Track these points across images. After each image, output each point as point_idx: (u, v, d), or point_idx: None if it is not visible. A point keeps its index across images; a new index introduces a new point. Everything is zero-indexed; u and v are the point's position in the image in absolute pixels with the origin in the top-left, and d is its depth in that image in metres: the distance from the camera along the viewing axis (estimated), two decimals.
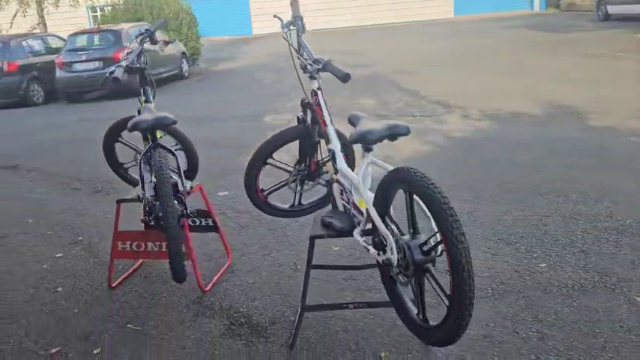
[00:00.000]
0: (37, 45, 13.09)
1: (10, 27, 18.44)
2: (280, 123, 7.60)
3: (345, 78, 2.38)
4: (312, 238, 2.48)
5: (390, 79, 10.35)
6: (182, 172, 3.03)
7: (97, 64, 11.69)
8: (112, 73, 2.94)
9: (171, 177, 2.81)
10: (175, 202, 2.75)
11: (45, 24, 17.93)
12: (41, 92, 12.47)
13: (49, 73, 12.09)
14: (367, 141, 2.20)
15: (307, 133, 2.88)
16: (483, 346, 2.38)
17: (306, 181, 3.04)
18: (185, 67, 14.47)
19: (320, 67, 2.54)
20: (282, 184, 3.06)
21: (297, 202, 3.14)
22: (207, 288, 3.05)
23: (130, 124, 2.86)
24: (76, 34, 12.78)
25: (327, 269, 2.92)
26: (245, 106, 9.41)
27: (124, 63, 3.13)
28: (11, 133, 8.72)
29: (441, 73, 10.52)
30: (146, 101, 3.31)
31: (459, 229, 1.90)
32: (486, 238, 3.46)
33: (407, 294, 2.33)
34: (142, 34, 3.42)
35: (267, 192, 3.07)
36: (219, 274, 3.20)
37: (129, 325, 2.77)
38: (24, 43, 12.63)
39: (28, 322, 2.87)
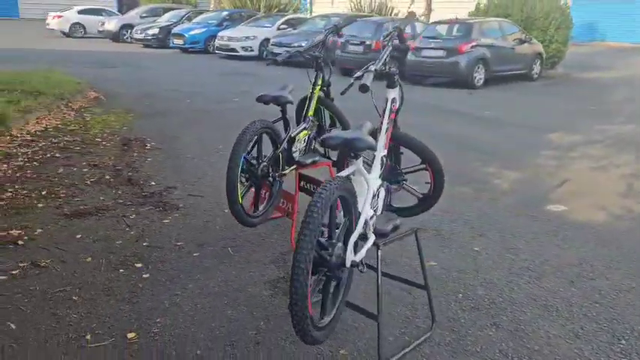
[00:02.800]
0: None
1: (409, 8, 21.23)
2: (559, 142, 6.99)
3: (359, 88, 2.50)
4: None
5: None
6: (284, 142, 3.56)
7: (440, 52, 12.60)
8: (275, 55, 3.70)
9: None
10: (264, 163, 3.39)
11: (430, 11, 19.84)
12: None
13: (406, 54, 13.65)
14: (326, 145, 2.33)
15: None
16: None
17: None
18: (536, 68, 13.96)
19: (359, 75, 2.65)
20: None
21: (388, 202, 3.29)
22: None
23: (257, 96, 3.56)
24: (436, 23, 13.96)
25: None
26: (550, 117, 8.83)
27: (295, 49, 3.83)
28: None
29: None
30: (314, 84, 3.93)
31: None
32: (603, 328, 2.83)
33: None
34: (329, 28, 4.01)
35: None
36: None
37: (229, 249, 3.59)
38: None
39: (188, 223, 4.01)
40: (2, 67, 11.06)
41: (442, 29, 13.69)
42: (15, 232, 3.65)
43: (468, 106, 9.89)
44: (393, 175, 3.12)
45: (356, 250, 2.28)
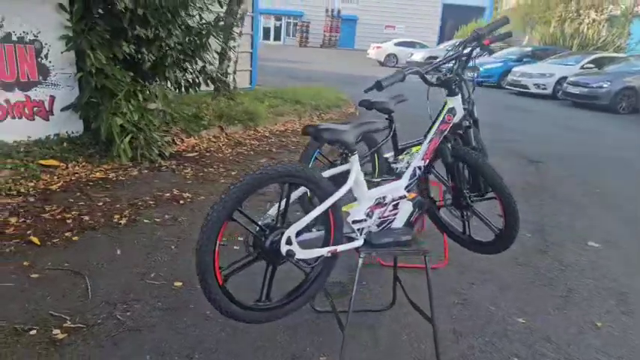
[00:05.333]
0: None
1: None
2: None
3: (375, 85, 2.29)
4: None
5: None
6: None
7: None
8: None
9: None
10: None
11: None
12: None
13: None
14: (303, 132, 2.19)
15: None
16: None
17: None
18: None
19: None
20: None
21: (467, 232, 2.87)
22: (384, 262, 3.44)
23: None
24: None
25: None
26: None
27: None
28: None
29: None
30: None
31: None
32: None
33: None
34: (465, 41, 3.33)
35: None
36: (411, 265, 3.43)
37: None
38: None
39: None
40: (310, 84, 13.19)
41: None
42: (185, 195, 4.52)
43: None
44: (457, 199, 2.75)
45: (303, 244, 2.17)
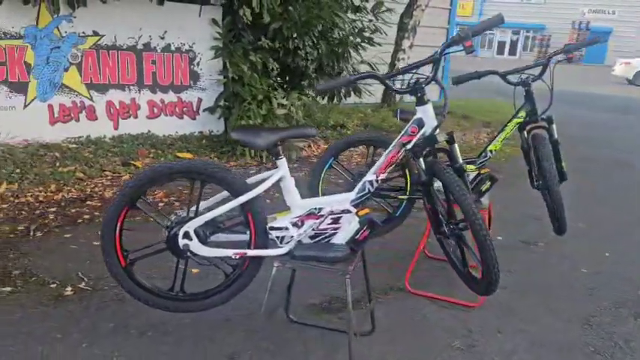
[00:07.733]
0: None
1: None
2: None
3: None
4: None
5: None
6: None
7: None
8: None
9: None
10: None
11: None
12: None
13: None
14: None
15: None
16: None
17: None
18: None
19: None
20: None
21: (466, 265, 2.42)
22: (409, 288, 3.11)
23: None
24: None
25: None
26: None
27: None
28: None
29: None
30: (514, 115, 3.10)
31: None
32: None
33: None
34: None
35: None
36: (439, 296, 3.03)
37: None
38: None
39: None
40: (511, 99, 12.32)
41: None
42: (272, 192, 4.75)
43: None
44: (436, 224, 2.34)
45: (204, 241, 2.14)
